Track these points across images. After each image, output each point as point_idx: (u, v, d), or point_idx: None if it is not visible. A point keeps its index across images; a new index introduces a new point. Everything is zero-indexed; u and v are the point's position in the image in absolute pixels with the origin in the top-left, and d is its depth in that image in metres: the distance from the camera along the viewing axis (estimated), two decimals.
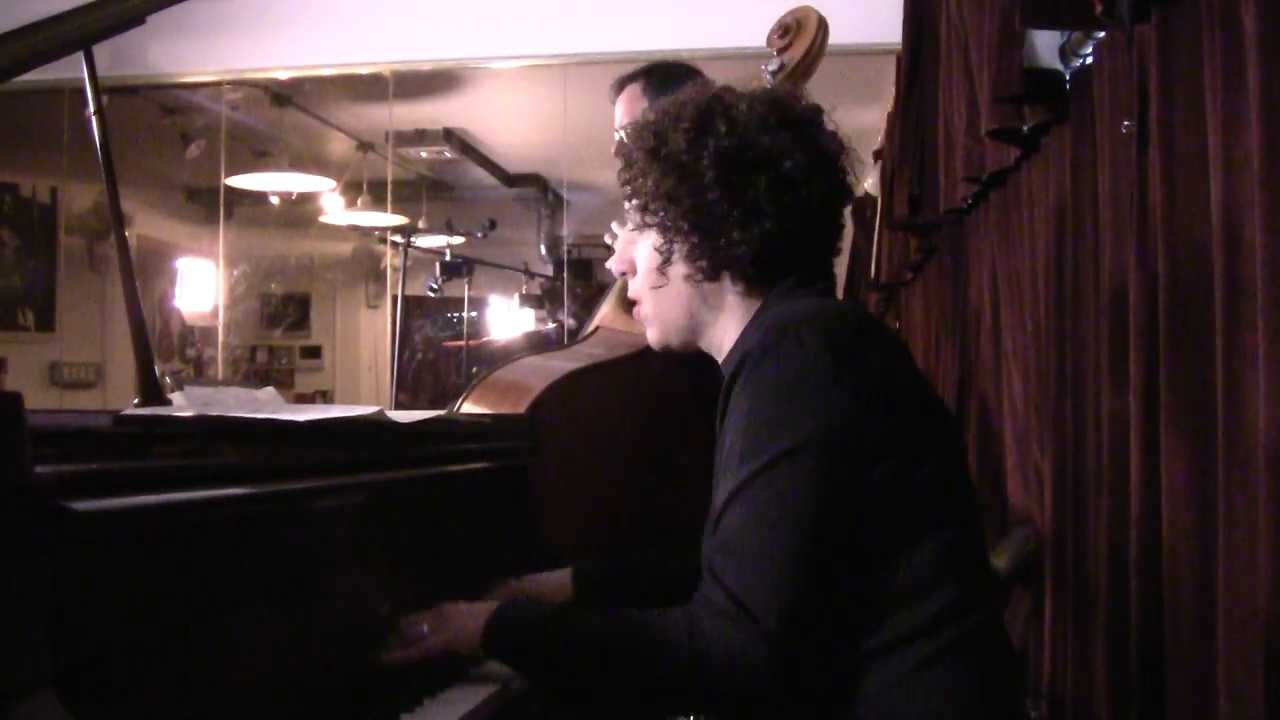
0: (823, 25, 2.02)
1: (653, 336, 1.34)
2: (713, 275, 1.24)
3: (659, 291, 1.29)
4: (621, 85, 2.31)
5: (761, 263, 1.22)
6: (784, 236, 1.21)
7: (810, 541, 1.05)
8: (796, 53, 2.03)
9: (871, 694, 1.09)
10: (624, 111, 2.30)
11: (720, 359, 1.29)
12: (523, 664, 1.23)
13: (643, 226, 1.28)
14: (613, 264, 1.40)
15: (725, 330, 1.27)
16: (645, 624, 1.13)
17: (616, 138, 2.31)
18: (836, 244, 1.30)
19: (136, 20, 1.37)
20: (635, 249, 1.32)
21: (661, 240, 1.25)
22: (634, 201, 1.28)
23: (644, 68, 2.32)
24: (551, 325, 5.54)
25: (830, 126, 1.27)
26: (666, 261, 1.26)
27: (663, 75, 2.30)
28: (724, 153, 1.19)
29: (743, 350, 1.15)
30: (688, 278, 1.25)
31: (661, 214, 1.24)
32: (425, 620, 1.27)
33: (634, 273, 1.33)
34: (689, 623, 1.07)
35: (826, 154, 1.25)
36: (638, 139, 1.28)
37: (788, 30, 2.04)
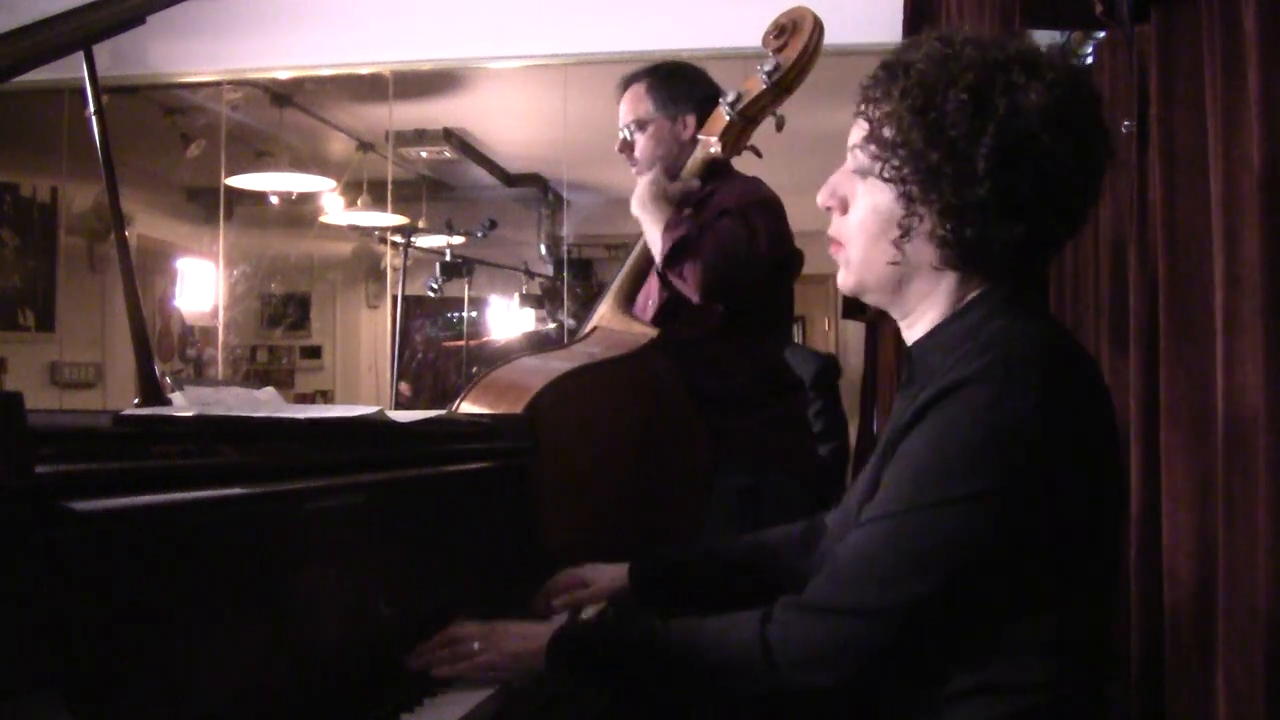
0: (818, 26, 2.03)
1: (847, 283, 1.23)
2: (954, 266, 1.14)
3: (880, 252, 1.17)
4: (626, 84, 2.35)
5: (999, 261, 1.14)
6: (1034, 240, 1.12)
7: (944, 590, 1.04)
8: (792, 53, 2.03)
9: None
10: (627, 110, 2.33)
11: (906, 327, 1.23)
12: (590, 681, 1.24)
13: (876, 177, 1.14)
14: (820, 197, 1.24)
15: (927, 307, 1.19)
16: (717, 624, 1.15)
17: (621, 135, 2.34)
18: (1063, 243, 1.21)
19: (136, 20, 1.37)
20: (853, 190, 1.19)
21: (904, 213, 1.13)
22: (872, 148, 1.14)
23: (648, 67, 2.35)
24: (551, 325, 5.54)
25: (1109, 128, 1.16)
26: (905, 236, 1.14)
27: (667, 74, 2.33)
28: (1001, 141, 1.07)
29: (960, 374, 1.06)
30: (920, 254, 1.15)
31: (912, 184, 1.11)
32: (476, 637, 1.27)
33: (841, 210, 1.21)
34: (765, 614, 1.10)
35: (1098, 163, 1.14)
36: (899, 82, 1.12)
37: (783, 31, 2.05)
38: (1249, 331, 1.32)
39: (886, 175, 1.13)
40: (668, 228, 2.07)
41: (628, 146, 2.33)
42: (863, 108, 1.17)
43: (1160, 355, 1.54)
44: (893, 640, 1.05)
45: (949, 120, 1.08)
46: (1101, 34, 1.90)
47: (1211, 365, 1.41)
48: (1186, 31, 1.51)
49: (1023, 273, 1.16)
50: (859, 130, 1.17)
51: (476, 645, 1.27)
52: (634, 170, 2.33)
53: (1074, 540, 1.07)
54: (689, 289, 2.06)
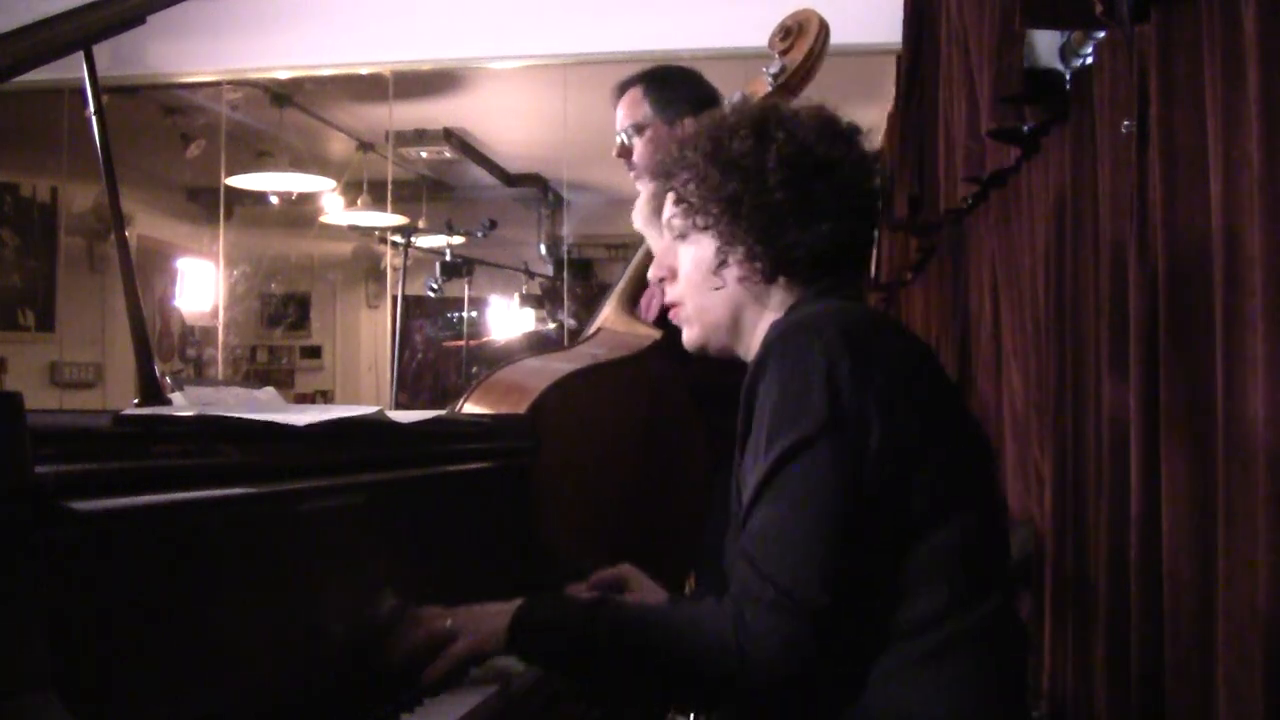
0: (824, 28, 2.03)
1: (690, 337, 1.35)
2: (771, 277, 1.26)
3: (710, 294, 1.29)
4: (622, 89, 2.33)
5: (814, 265, 1.25)
6: (839, 239, 1.24)
7: (837, 525, 1.08)
8: (798, 55, 2.03)
9: (877, 682, 1.10)
10: (625, 115, 2.31)
11: (748, 359, 1.30)
12: (552, 662, 1.22)
13: (693, 231, 1.28)
14: (650, 274, 1.39)
15: (761, 332, 1.28)
16: (688, 620, 1.14)
17: (618, 140, 2.33)
18: (871, 248, 1.34)
19: (136, 20, 1.37)
20: (676, 254, 1.32)
21: (719, 243, 1.26)
22: (681, 206, 1.29)
23: (644, 71, 2.34)
24: (552, 325, 5.55)
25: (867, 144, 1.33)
26: (724, 264, 1.26)
27: (662, 78, 2.32)
28: (786, 157, 1.22)
29: (765, 344, 1.17)
30: (742, 280, 1.27)
31: (722, 217, 1.25)
32: (450, 618, 1.25)
33: (672, 279, 1.34)
34: (734, 614, 1.09)
35: (870, 164, 1.30)
36: (690, 145, 1.29)
37: (789, 33, 2.05)
38: (1249, 332, 1.32)
39: (700, 224, 1.27)
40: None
41: (626, 151, 2.32)
42: (668, 184, 1.31)
43: (1160, 355, 1.54)
44: (832, 610, 1.06)
45: (738, 154, 1.24)
46: (1101, 34, 1.90)
47: (1212, 365, 1.41)
48: (1186, 31, 1.51)
49: (837, 275, 1.27)
50: (668, 202, 1.32)
51: (450, 624, 1.24)
52: (632, 175, 2.32)
53: (919, 464, 1.12)
54: None
